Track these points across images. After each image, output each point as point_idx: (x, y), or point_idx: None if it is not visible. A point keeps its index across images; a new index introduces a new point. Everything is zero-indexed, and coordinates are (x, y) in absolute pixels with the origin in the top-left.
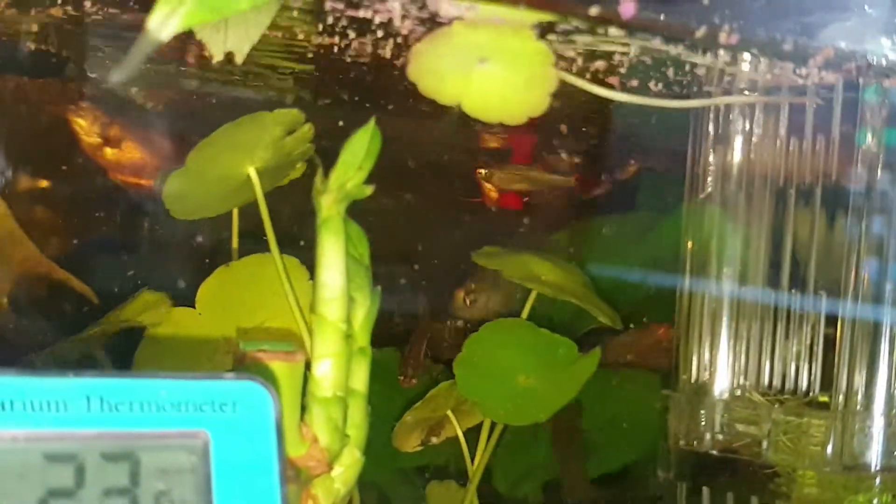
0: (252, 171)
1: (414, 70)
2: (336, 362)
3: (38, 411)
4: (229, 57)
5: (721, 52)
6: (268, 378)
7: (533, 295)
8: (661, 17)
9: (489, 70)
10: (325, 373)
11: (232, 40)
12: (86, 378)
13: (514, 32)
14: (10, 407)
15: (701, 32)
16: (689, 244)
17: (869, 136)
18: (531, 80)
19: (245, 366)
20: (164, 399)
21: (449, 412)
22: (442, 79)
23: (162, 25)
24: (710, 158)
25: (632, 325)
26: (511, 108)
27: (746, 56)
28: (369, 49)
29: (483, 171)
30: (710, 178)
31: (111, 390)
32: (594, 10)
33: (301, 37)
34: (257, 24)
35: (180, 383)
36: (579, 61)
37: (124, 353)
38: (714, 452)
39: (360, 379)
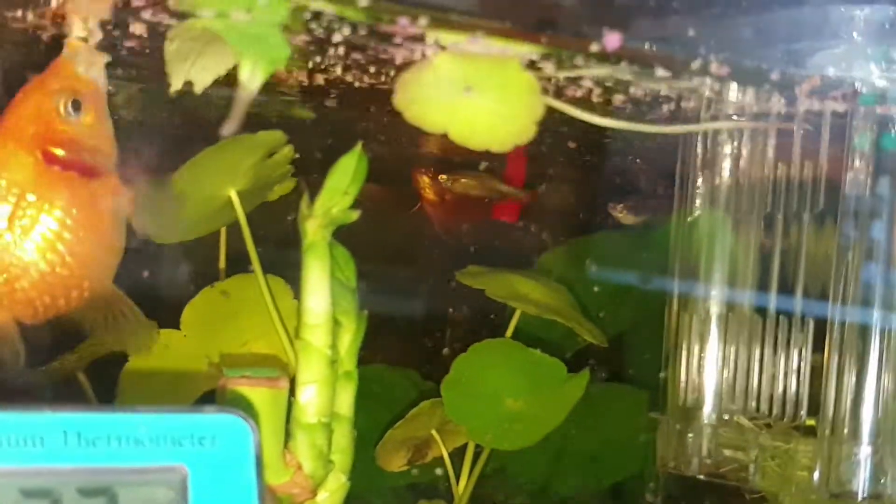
0: (233, 194)
1: (400, 99)
2: (321, 388)
3: (15, 446)
4: (188, 86)
5: (708, 79)
6: (251, 405)
7: (517, 314)
8: (648, 47)
9: (475, 99)
10: (310, 399)
11: (195, 72)
12: (63, 413)
13: (500, 62)
14: None
15: (688, 62)
16: (677, 266)
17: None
18: (518, 108)
19: (228, 392)
20: (142, 433)
21: (434, 432)
22: (428, 108)
23: (250, 79)
24: (699, 181)
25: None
26: (498, 136)
27: (734, 84)
28: None
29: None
30: (698, 201)
31: (89, 425)
32: (579, 43)
33: None
34: (222, 62)
35: (159, 417)
36: (565, 88)
37: (109, 373)
38: (701, 477)
39: (346, 403)
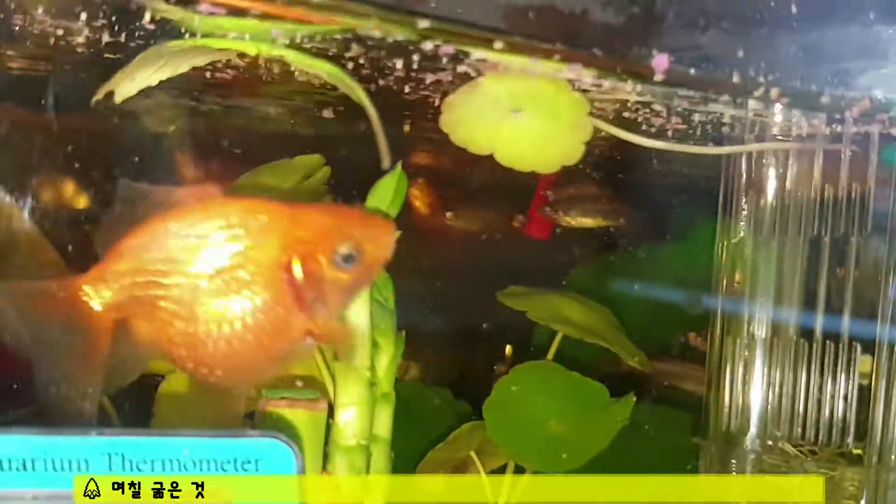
0: None
1: (446, 121)
2: (359, 410)
3: (60, 471)
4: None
5: (754, 101)
6: (290, 426)
7: (559, 336)
8: (696, 70)
9: (522, 120)
10: (349, 421)
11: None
12: (108, 436)
13: (549, 83)
14: (31, 466)
15: (736, 84)
16: (721, 288)
17: None
18: (566, 129)
19: (267, 414)
20: (185, 457)
21: (472, 453)
22: (474, 129)
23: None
24: (743, 202)
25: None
26: (545, 157)
27: (780, 105)
28: None
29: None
30: (742, 223)
31: (133, 448)
32: (627, 65)
33: None
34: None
35: (202, 441)
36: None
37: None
38: None
39: (384, 425)
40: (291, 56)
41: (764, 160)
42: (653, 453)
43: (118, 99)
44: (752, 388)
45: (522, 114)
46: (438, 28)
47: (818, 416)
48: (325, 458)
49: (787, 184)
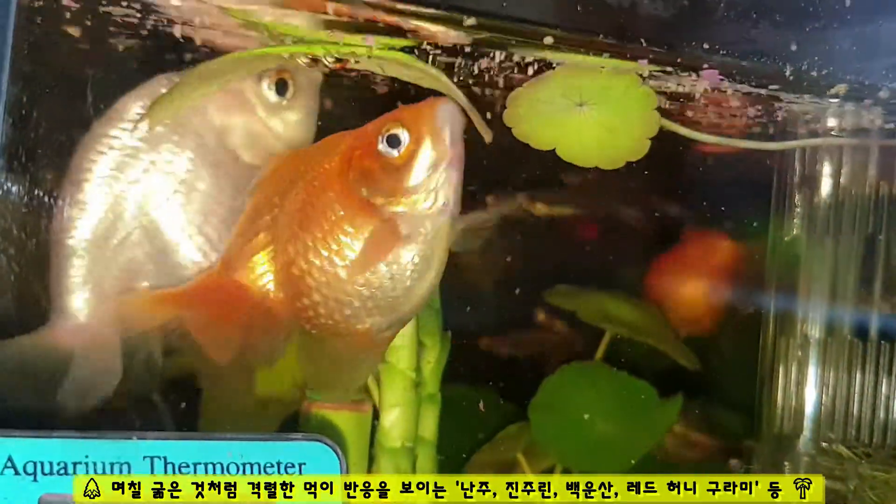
0: None
1: (510, 115)
2: (405, 412)
3: (101, 475)
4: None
5: (808, 95)
6: (334, 428)
7: (607, 336)
8: (749, 63)
9: (588, 114)
10: (394, 423)
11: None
12: (150, 439)
13: (618, 77)
14: (72, 470)
15: (789, 76)
16: (774, 288)
17: None
18: (633, 123)
19: (312, 416)
20: (229, 459)
21: (520, 455)
22: (538, 124)
23: None
24: (797, 199)
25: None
26: (609, 152)
27: (834, 99)
28: None
29: None
30: (795, 220)
31: (176, 451)
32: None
33: None
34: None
35: (246, 444)
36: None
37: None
38: None
39: (430, 427)
40: (363, 52)
41: (818, 156)
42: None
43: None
44: (806, 389)
45: (588, 107)
46: (486, 25)
47: (873, 418)
48: (371, 460)
49: (842, 180)
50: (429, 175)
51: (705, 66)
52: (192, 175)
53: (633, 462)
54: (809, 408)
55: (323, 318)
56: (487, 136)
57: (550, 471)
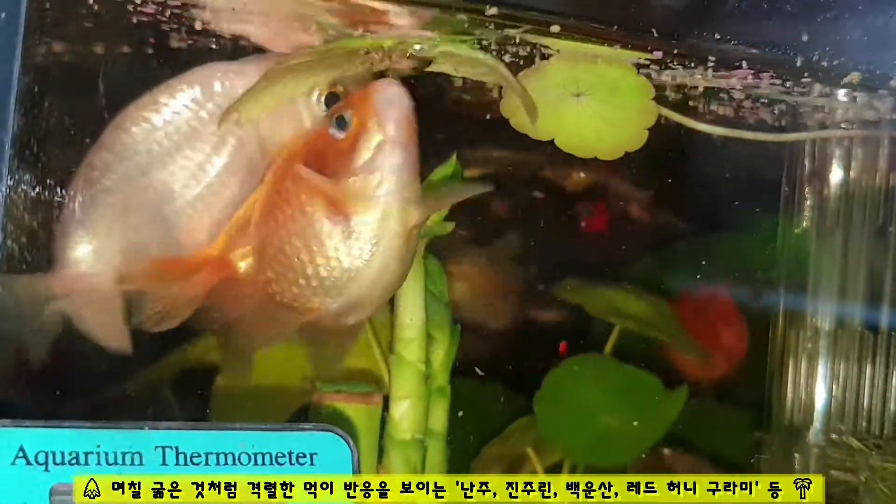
0: None
1: (507, 106)
2: (414, 404)
3: (113, 465)
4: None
5: (818, 86)
6: (345, 420)
7: (616, 330)
8: (760, 53)
9: (585, 105)
10: (404, 415)
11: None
12: (161, 429)
13: (614, 66)
14: (83, 460)
15: (799, 67)
16: (784, 281)
17: None
18: (630, 114)
19: (322, 407)
20: (240, 450)
21: (529, 449)
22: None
23: None
24: (806, 192)
25: None
26: (607, 143)
27: (844, 90)
28: None
29: None
30: (805, 213)
31: (187, 441)
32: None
33: None
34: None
35: (258, 434)
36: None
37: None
38: None
39: (440, 419)
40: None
41: (827, 148)
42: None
43: (244, 120)
44: (816, 382)
45: (586, 98)
46: (505, 14)
47: (883, 410)
48: (380, 452)
49: (852, 173)
50: (372, 156)
51: (737, 64)
52: (221, 180)
53: (637, 454)
54: (820, 400)
55: (278, 296)
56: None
57: (559, 464)
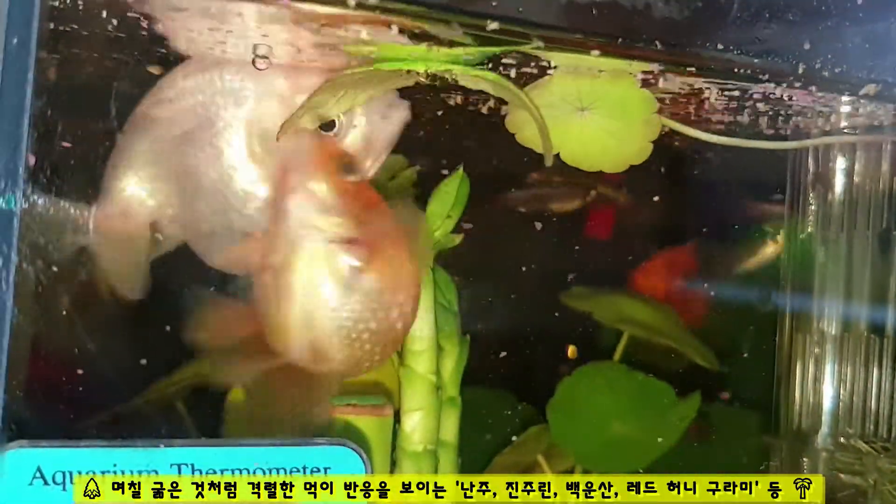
0: None
1: (512, 121)
2: (426, 415)
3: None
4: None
5: (820, 93)
6: (356, 433)
7: (625, 337)
8: (762, 61)
9: (589, 119)
10: (415, 426)
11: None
12: (176, 447)
13: (617, 80)
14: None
15: (801, 74)
16: (790, 284)
17: None
18: (634, 127)
19: (333, 420)
20: (255, 466)
21: (540, 457)
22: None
23: None
24: (810, 197)
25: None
26: (612, 157)
27: (846, 97)
28: None
29: None
30: (810, 218)
31: (201, 458)
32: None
33: None
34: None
35: (271, 449)
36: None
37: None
38: None
39: (451, 430)
40: (458, 69)
41: (831, 154)
42: (719, 453)
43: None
44: (823, 386)
45: (590, 112)
46: (505, 29)
47: (890, 412)
48: (393, 464)
49: (855, 177)
50: None
51: (739, 73)
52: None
53: (649, 462)
54: (827, 403)
55: None
56: (549, 160)
57: (570, 471)
